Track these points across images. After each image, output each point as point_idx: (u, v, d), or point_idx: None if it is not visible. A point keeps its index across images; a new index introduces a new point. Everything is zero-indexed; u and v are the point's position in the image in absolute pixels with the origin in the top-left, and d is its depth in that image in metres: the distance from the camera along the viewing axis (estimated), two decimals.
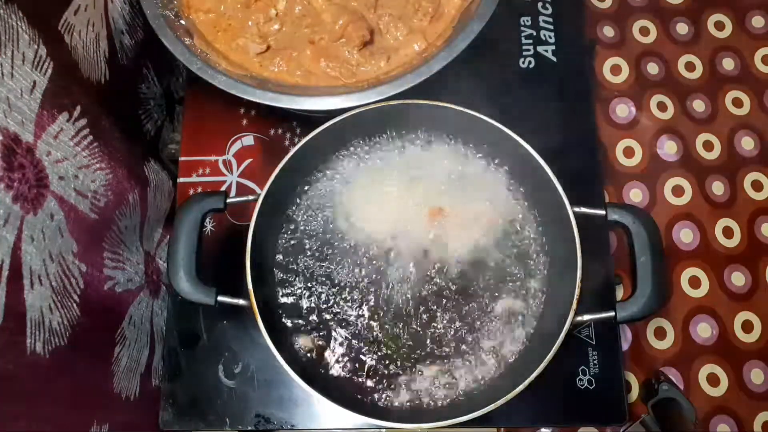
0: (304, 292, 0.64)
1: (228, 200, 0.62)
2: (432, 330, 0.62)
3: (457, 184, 0.66)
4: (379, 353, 0.61)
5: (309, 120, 0.66)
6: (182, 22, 0.69)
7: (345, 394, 0.60)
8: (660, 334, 0.89)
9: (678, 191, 0.95)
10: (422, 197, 0.65)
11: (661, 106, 0.98)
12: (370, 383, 0.61)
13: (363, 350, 0.61)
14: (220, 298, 0.59)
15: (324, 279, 0.64)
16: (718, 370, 0.88)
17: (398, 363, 0.61)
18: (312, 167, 0.66)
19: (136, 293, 0.70)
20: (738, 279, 0.91)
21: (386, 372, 0.61)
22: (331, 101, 0.64)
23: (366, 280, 0.63)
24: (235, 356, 0.70)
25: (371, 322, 0.62)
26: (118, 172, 0.63)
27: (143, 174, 0.70)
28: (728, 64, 1.01)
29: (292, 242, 0.65)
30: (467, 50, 0.64)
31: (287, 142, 0.78)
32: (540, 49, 0.82)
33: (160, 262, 0.77)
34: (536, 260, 0.63)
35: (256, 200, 0.61)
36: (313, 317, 0.63)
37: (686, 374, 0.88)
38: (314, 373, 0.60)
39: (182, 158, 0.77)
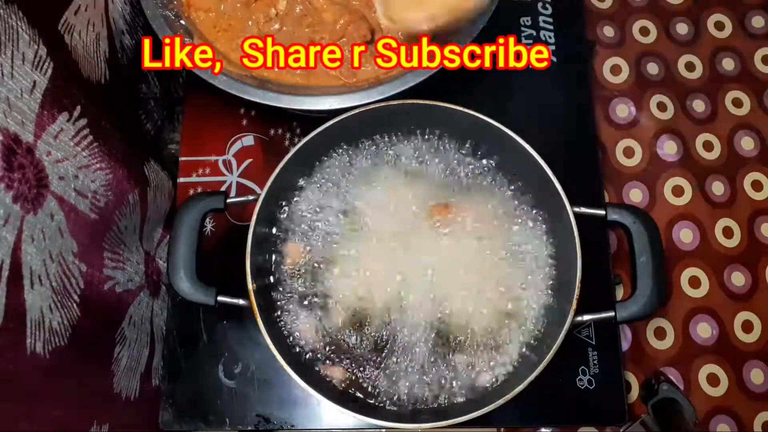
0: None
1: (228, 200, 0.62)
2: (433, 330, 0.61)
3: (457, 184, 0.66)
4: (379, 353, 0.61)
5: (309, 120, 0.66)
6: (182, 22, 0.69)
7: (345, 394, 0.60)
8: (660, 334, 0.89)
9: (678, 191, 0.95)
10: (423, 197, 0.65)
11: (661, 106, 0.98)
12: (370, 383, 0.61)
13: (362, 350, 0.61)
14: (220, 298, 0.59)
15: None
16: (718, 370, 0.88)
17: (399, 363, 0.61)
18: (312, 167, 0.66)
19: (136, 293, 0.70)
20: (738, 279, 0.91)
21: (386, 372, 0.61)
22: (331, 101, 0.64)
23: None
24: (235, 356, 0.70)
25: (371, 324, 0.62)
26: (118, 172, 0.63)
27: (143, 174, 0.70)
28: (728, 64, 1.01)
29: None
30: None
31: (287, 142, 0.78)
32: None
33: (160, 262, 0.77)
34: (536, 260, 0.63)
35: (256, 200, 0.61)
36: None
37: (686, 374, 0.88)
38: (314, 374, 0.60)
39: (182, 158, 0.77)
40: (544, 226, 0.64)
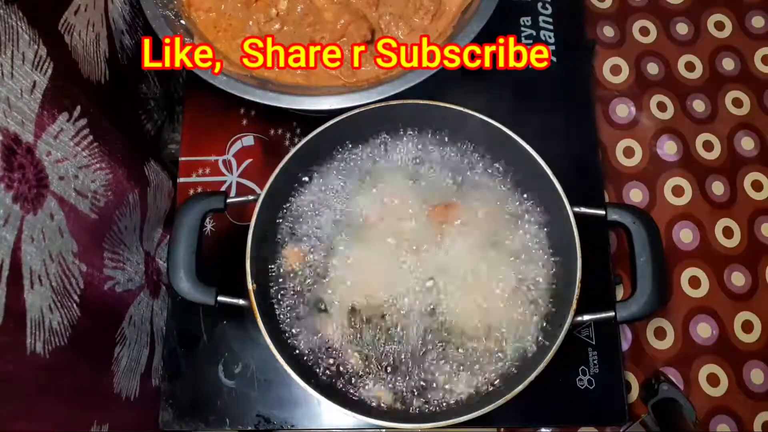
0: None
1: (228, 200, 0.62)
2: (433, 331, 0.61)
3: (456, 185, 0.66)
4: (379, 354, 0.61)
5: (309, 120, 0.66)
6: (182, 22, 0.69)
7: (345, 394, 0.60)
8: (660, 334, 0.89)
9: (678, 191, 0.95)
10: (423, 198, 0.65)
11: (661, 106, 0.98)
12: (370, 383, 0.61)
13: (362, 350, 0.61)
14: (220, 298, 0.59)
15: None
16: (718, 370, 0.88)
17: (398, 364, 0.61)
18: (312, 167, 0.66)
19: (136, 293, 0.70)
20: (738, 279, 0.91)
21: (386, 372, 0.61)
22: (331, 101, 0.64)
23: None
24: (235, 356, 0.70)
25: (371, 324, 0.62)
26: (118, 172, 0.63)
27: (143, 174, 0.70)
28: (728, 64, 1.01)
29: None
30: None
31: (287, 142, 0.78)
32: None
33: (160, 262, 0.77)
34: (536, 260, 0.63)
35: (256, 200, 0.61)
36: None
37: (686, 374, 0.88)
38: (314, 373, 0.60)
39: (182, 158, 0.77)
40: (544, 226, 0.64)
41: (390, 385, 0.60)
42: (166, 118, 0.86)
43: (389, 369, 0.61)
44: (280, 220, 0.65)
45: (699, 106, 0.98)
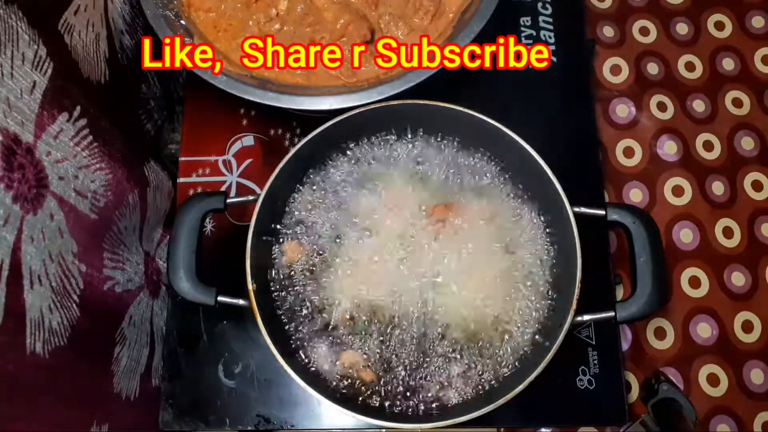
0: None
1: (228, 200, 0.62)
2: (433, 330, 0.61)
3: (457, 185, 0.66)
4: (379, 354, 0.61)
5: (309, 120, 0.66)
6: (182, 22, 0.69)
7: (345, 394, 0.60)
8: (660, 334, 0.89)
9: (678, 191, 0.95)
10: (423, 197, 0.65)
11: (661, 106, 0.98)
12: (369, 383, 0.61)
13: (362, 350, 0.61)
14: (220, 298, 0.59)
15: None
16: (718, 370, 0.88)
17: (398, 364, 0.61)
18: (312, 167, 0.66)
19: (136, 293, 0.70)
20: (738, 279, 0.91)
21: (386, 371, 0.61)
22: (331, 101, 0.64)
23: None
24: (235, 356, 0.70)
25: (370, 324, 0.62)
26: (118, 172, 0.63)
27: (143, 174, 0.70)
28: (728, 64, 1.01)
29: None
30: None
31: (287, 142, 0.78)
32: None
33: (160, 262, 0.77)
34: (536, 260, 0.63)
35: (256, 200, 0.61)
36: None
37: (686, 374, 0.88)
38: (314, 374, 0.60)
39: (182, 158, 0.77)
40: (544, 226, 0.64)
41: (390, 384, 0.60)
42: (166, 118, 0.86)
43: (389, 368, 0.61)
44: (281, 221, 0.65)
45: (699, 106, 0.99)
